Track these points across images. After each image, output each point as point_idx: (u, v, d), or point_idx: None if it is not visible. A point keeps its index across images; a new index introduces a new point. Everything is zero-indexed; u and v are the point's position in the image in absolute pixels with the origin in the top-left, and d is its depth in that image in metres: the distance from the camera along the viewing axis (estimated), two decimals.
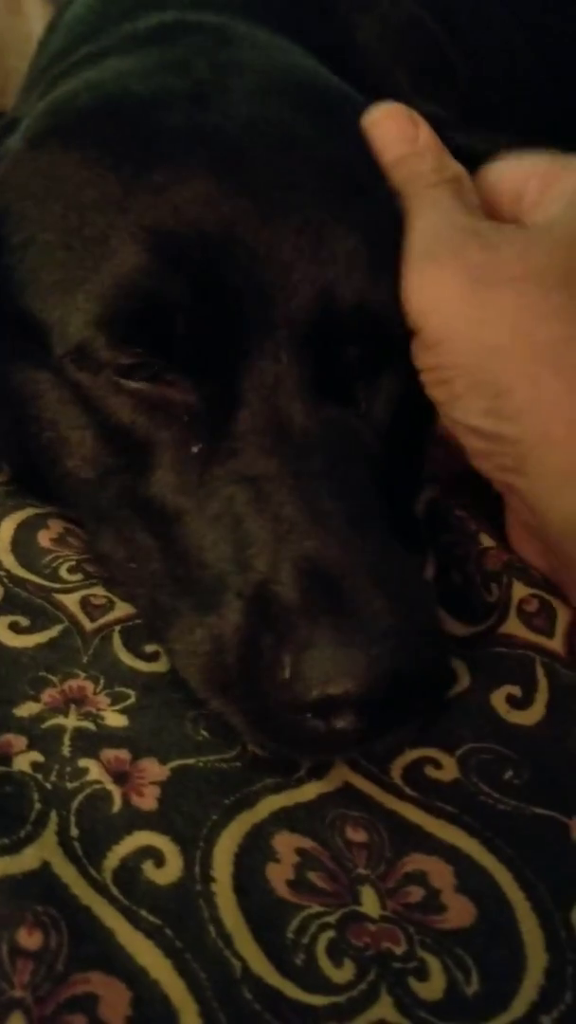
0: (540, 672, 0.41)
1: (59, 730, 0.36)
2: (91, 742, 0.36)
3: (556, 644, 0.42)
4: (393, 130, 0.46)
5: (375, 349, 0.44)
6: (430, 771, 0.37)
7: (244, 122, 0.44)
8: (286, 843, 0.34)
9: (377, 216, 0.44)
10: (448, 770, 0.37)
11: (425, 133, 0.46)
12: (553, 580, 0.44)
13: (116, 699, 0.38)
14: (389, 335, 0.43)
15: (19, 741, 0.36)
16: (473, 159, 0.48)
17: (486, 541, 0.46)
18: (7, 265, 0.46)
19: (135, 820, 0.33)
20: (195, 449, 0.41)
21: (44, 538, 0.45)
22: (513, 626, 0.43)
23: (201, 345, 0.41)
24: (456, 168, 0.46)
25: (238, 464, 0.40)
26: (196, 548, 0.40)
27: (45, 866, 0.32)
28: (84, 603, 0.42)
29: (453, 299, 0.41)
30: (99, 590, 0.43)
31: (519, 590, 0.44)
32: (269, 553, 0.37)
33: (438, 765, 0.38)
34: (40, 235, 0.44)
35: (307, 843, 0.34)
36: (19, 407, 0.46)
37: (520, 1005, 0.30)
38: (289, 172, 0.43)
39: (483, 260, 0.41)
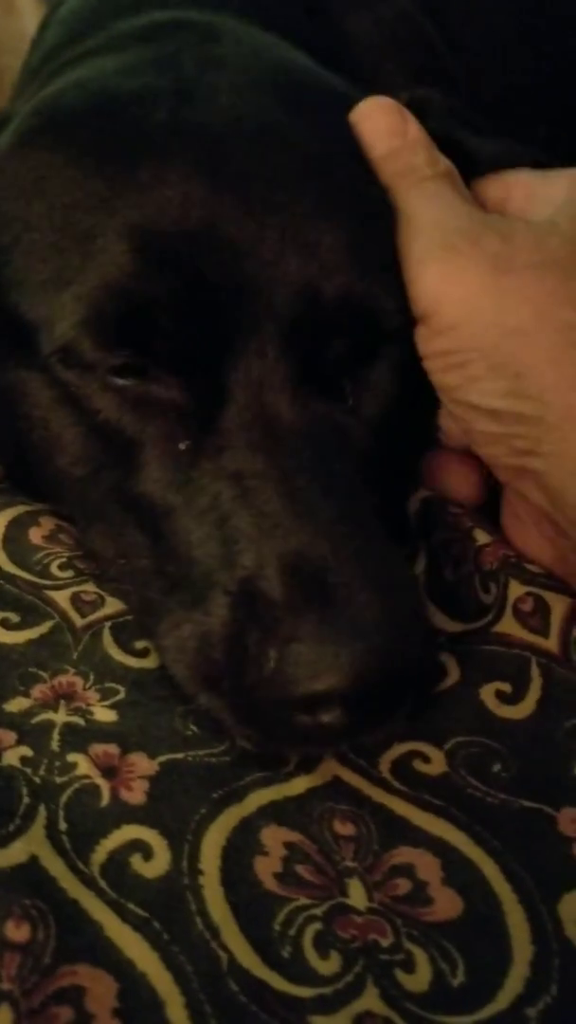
0: (535, 671, 0.41)
1: (48, 725, 0.37)
2: (80, 737, 0.36)
3: (551, 644, 0.42)
4: (383, 123, 0.46)
5: (362, 343, 0.44)
6: (418, 765, 0.37)
7: (228, 118, 0.44)
8: (274, 836, 0.34)
9: (362, 210, 0.44)
10: (436, 764, 0.37)
11: (414, 127, 0.46)
12: (557, 572, 0.44)
13: (106, 695, 0.38)
14: (376, 328, 0.44)
15: (8, 736, 0.36)
16: (474, 158, 0.48)
17: (481, 538, 0.46)
18: None
19: (123, 814, 0.34)
20: (182, 446, 0.41)
21: (36, 535, 0.46)
22: (508, 625, 0.43)
23: (187, 343, 0.41)
24: (446, 162, 0.46)
25: (225, 460, 0.40)
26: (184, 545, 0.40)
27: (33, 860, 0.32)
28: (75, 599, 0.42)
29: (474, 285, 0.41)
30: (90, 586, 0.43)
31: (515, 589, 0.44)
32: (255, 549, 0.37)
33: (426, 759, 0.38)
34: (27, 235, 0.44)
35: (295, 836, 0.34)
36: (9, 406, 0.46)
37: (506, 997, 0.30)
38: (273, 167, 0.43)
39: (501, 249, 0.42)
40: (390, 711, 0.36)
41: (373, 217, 0.45)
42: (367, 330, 0.44)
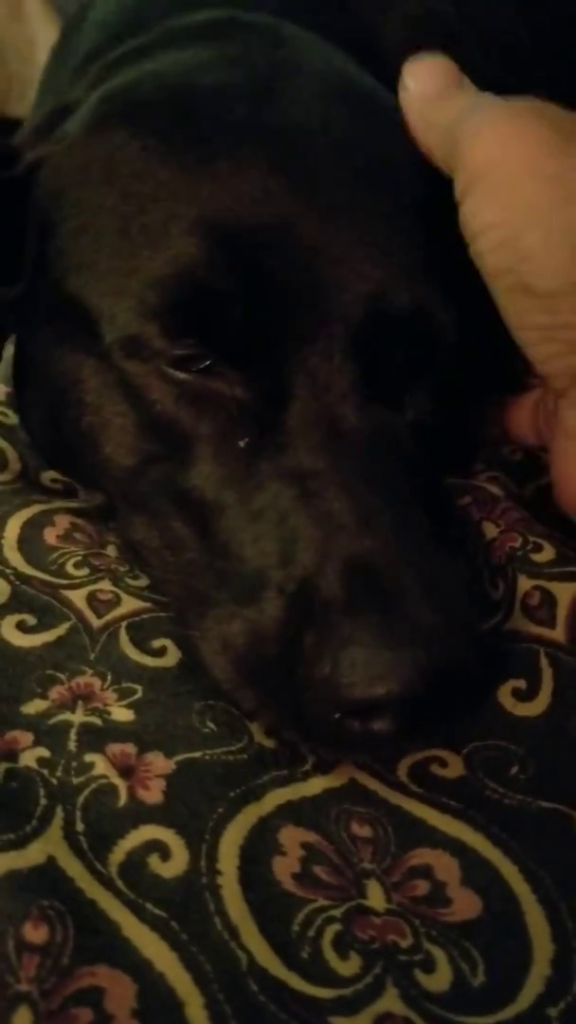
0: (544, 662, 0.41)
1: (65, 726, 0.37)
2: (97, 737, 0.36)
3: (558, 634, 0.42)
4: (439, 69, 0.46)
5: (423, 355, 0.44)
6: (436, 769, 0.37)
7: (304, 122, 0.44)
8: (292, 837, 0.34)
9: (427, 224, 0.45)
10: (454, 768, 0.37)
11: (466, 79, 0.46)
12: None
13: (123, 694, 0.38)
14: (436, 342, 0.44)
15: (25, 737, 0.36)
16: None
17: (489, 531, 0.46)
18: (58, 249, 0.46)
19: (141, 814, 0.34)
20: (242, 443, 0.41)
21: (50, 535, 0.46)
22: (518, 622, 0.43)
23: (254, 339, 0.41)
24: None
25: (286, 459, 0.40)
26: (238, 541, 0.40)
27: (51, 861, 0.32)
28: (91, 599, 0.43)
29: (536, 141, 0.40)
30: (106, 584, 0.43)
31: (523, 584, 0.44)
32: (315, 550, 0.37)
33: (444, 764, 0.38)
34: (96, 221, 0.44)
35: (312, 837, 0.34)
36: (60, 391, 0.46)
37: (527, 996, 0.30)
38: (347, 175, 0.43)
39: (564, 118, 0.41)
40: (439, 720, 0.36)
41: (437, 231, 0.45)
42: (428, 342, 0.44)
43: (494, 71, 0.69)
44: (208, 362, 0.42)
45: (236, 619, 0.38)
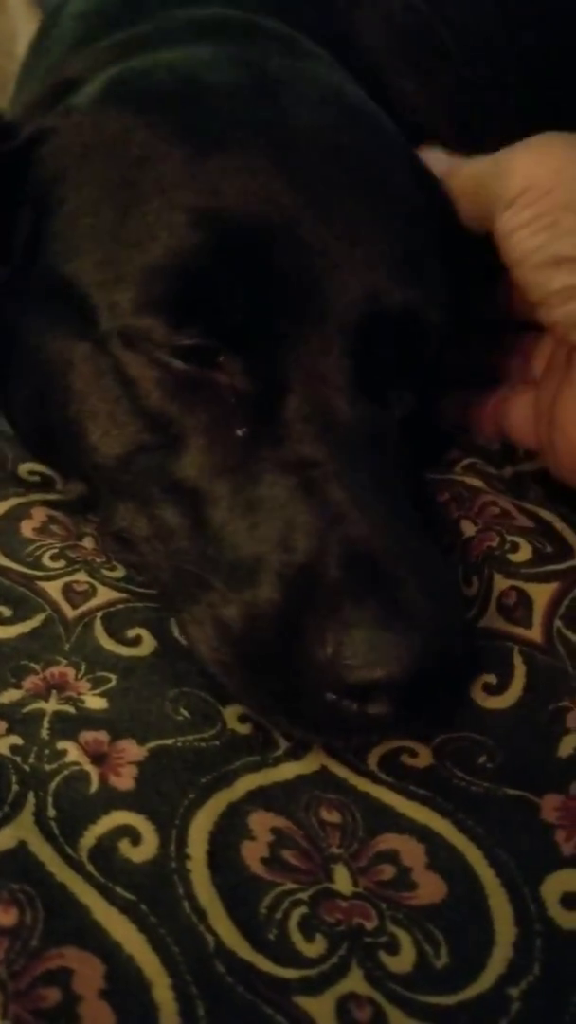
0: (518, 659, 0.41)
1: (39, 714, 0.37)
2: (70, 725, 0.37)
3: (535, 634, 0.42)
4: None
5: (413, 353, 0.45)
6: (405, 759, 0.38)
7: (307, 126, 0.45)
8: (261, 822, 0.34)
9: (422, 229, 0.46)
10: (423, 757, 0.38)
11: None
12: None
13: (97, 683, 0.39)
14: (427, 342, 0.45)
15: None
16: None
17: (467, 529, 0.47)
18: (55, 230, 0.46)
19: (112, 800, 0.34)
20: (239, 432, 0.41)
21: (27, 528, 0.46)
22: (492, 619, 0.43)
23: (254, 330, 0.42)
24: None
25: (284, 449, 0.40)
26: (234, 528, 0.40)
27: (21, 845, 0.32)
28: (66, 590, 0.43)
29: (566, 158, 0.46)
30: (82, 576, 0.44)
31: (499, 583, 0.44)
32: (314, 536, 0.38)
33: (414, 754, 0.38)
34: (97, 204, 0.44)
35: (282, 822, 0.34)
36: (48, 377, 0.46)
37: (488, 977, 0.30)
38: (346, 178, 0.44)
39: None
40: (431, 705, 0.37)
41: (430, 236, 0.46)
42: (418, 341, 0.45)
43: (473, 67, 0.70)
44: (209, 353, 0.42)
45: (230, 602, 0.39)
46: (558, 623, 0.43)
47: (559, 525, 0.48)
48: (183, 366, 0.42)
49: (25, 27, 0.84)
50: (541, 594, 0.44)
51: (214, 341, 0.42)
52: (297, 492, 0.39)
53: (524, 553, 0.46)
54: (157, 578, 0.43)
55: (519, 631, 0.43)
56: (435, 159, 0.52)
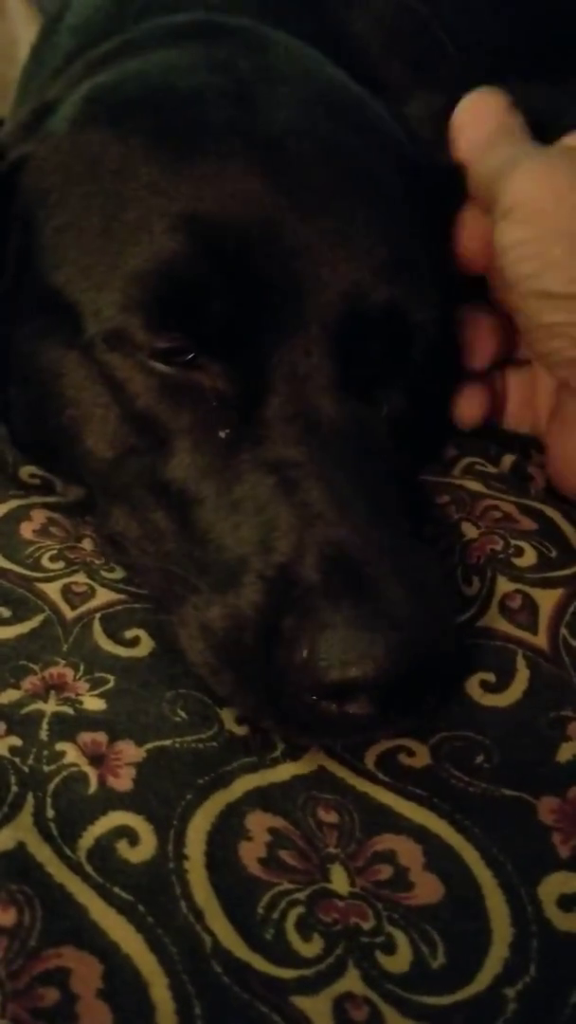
0: (521, 663, 0.41)
1: (38, 715, 0.37)
2: (69, 726, 0.37)
3: (540, 640, 0.42)
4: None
5: (399, 352, 0.45)
6: (403, 758, 0.38)
7: (285, 125, 0.45)
8: (259, 822, 0.34)
9: (406, 226, 0.46)
10: (420, 757, 0.38)
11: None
12: None
13: (95, 684, 0.39)
14: (412, 340, 0.45)
15: None
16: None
17: (469, 532, 0.47)
18: (42, 245, 0.47)
19: (110, 800, 0.34)
20: (222, 434, 0.42)
21: (26, 530, 0.46)
22: (493, 620, 0.43)
23: (235, 333, 0.42)
24: None
25: (266, 450, 0.41)
26: (218, 530, 0.40)
27: (20, 846, 0.32)
28: (65, 591, 0.43)
29: (564, 180, 0.45)
30: (81, 577, 0.44)
31: (503, 585, 0.44)
32: (294, 537, 0.38)
33: (411, 753, 0.38)
34: (80, 218, 0.45)
35: (279, 822, 0.34)
36: (43, 385, 0.47)
37: (485, 978, 0.31)
38: (326, 177, 0.44)
39: None
40: (414, 705, 0.37)
41: (416, 232, 0.46)
42: (404, 340, 0.45)
43: (472, 66, 0.70)
44: (190, 355, 0.42)
45: (215, 605, 0.39)
46: (564, 632, 0.42)
47: (563, 524, 0.48)
48: (166, 369, 0.43)
49: (26, 33, 0.84)
50: (546, 600, 0.44)
51: (194, 343, 0.42)
52: (277, 493, 0.40)
53: (528, 557, 0.46)
54: (148, 580, 0.43)
55: (524, 635, 0.43)
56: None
